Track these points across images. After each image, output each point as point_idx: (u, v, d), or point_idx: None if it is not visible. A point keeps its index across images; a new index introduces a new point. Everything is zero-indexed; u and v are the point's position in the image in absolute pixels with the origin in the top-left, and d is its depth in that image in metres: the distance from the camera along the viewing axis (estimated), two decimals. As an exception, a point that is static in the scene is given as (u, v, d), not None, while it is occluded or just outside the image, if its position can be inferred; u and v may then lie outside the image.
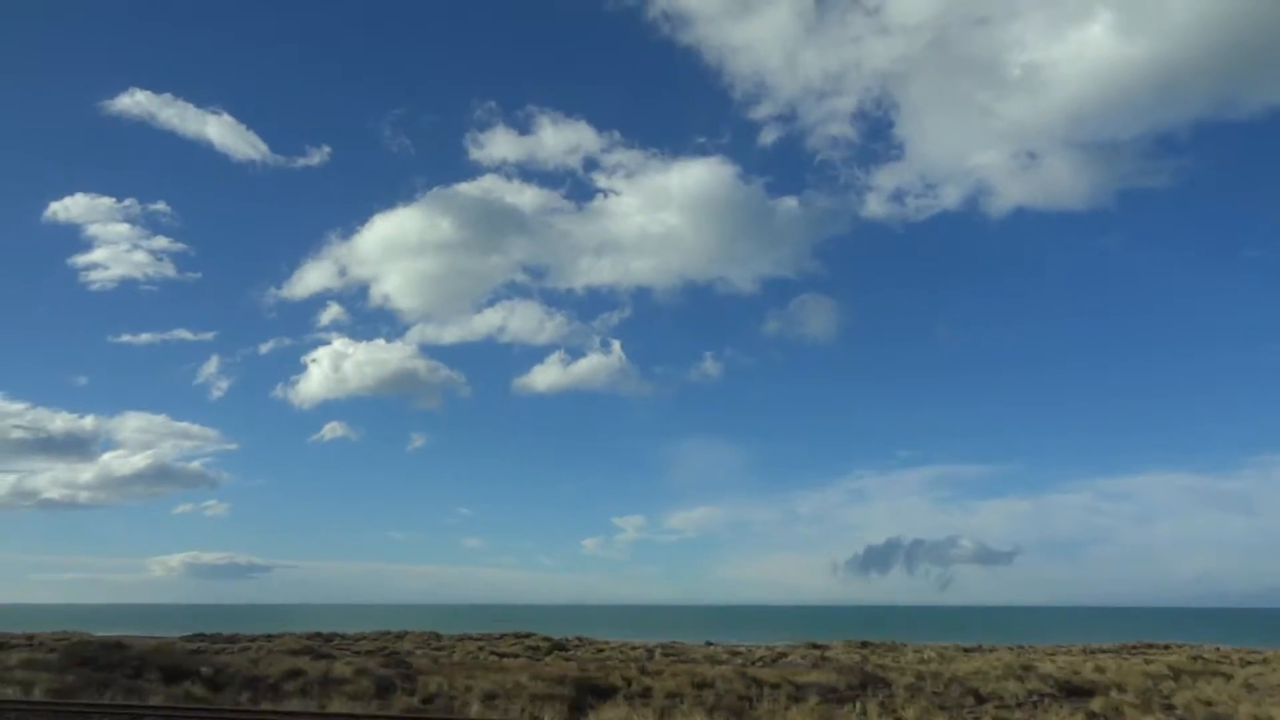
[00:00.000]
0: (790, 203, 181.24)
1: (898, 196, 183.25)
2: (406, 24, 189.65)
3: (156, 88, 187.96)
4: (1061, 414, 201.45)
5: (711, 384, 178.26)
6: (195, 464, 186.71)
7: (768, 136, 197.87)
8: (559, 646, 47.82)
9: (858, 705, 20.15)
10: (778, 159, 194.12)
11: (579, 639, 53.37)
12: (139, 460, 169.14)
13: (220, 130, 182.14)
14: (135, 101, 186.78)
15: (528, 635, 55.20)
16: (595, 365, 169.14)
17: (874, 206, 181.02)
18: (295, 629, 66.63)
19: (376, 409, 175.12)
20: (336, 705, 19.91)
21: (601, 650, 46.64)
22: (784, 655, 41.77)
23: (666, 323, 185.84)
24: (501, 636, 54.40)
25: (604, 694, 21.73)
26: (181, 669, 21.72)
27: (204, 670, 21.58)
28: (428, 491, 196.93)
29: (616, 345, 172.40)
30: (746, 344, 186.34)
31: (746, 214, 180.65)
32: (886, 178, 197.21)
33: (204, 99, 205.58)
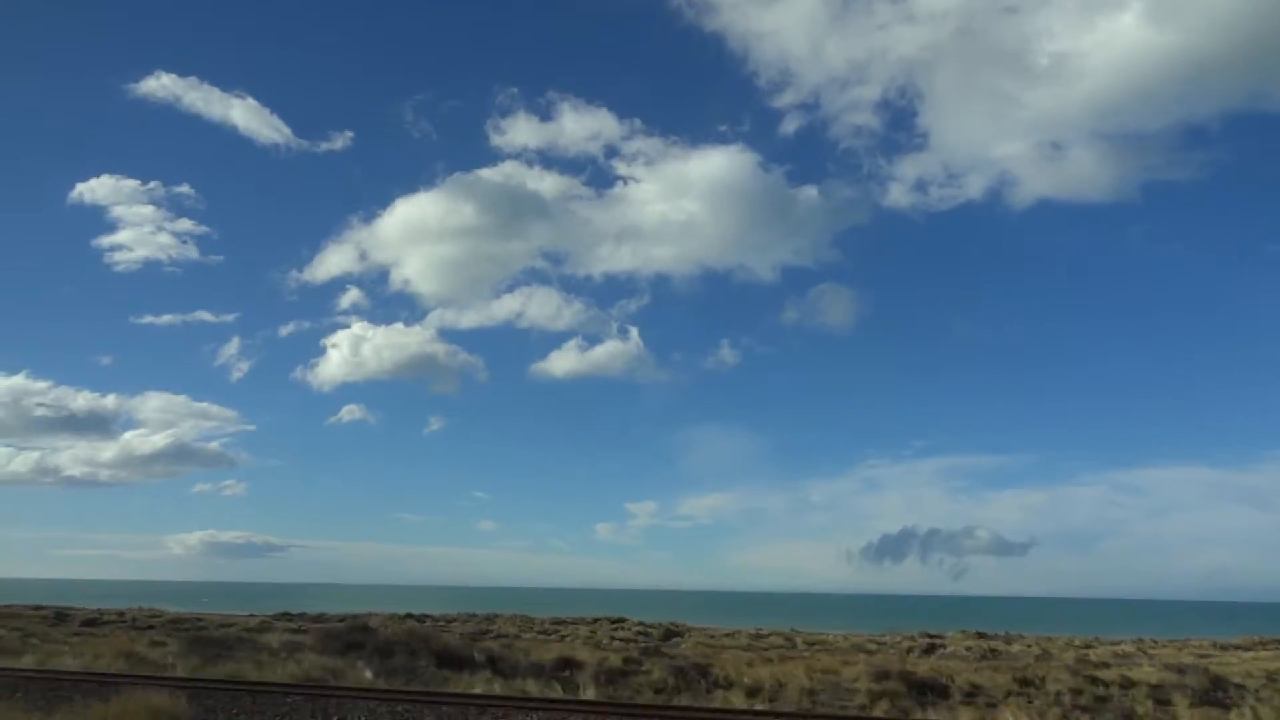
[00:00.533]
0: (810, 192, 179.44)
1: (921, 186, 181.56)
2: (429, 10, 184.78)
3: (181, 71, 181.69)
4: (1078, 406, 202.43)
5: (728, 372, 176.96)
6: (214, 444, 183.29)
7: (790, 125, 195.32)
8: (673, 633, 45.20)
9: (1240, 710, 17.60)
10: (799, 148, 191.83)
11: (674, 624, 50.57)
12: (159, 439, 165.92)
13: (244, 114, 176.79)
14: (160, 84, 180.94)
15: (619, 620, 52.45)
16: (613, 352, 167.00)
17: (896, 196, 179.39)
18: (320, 609, 63.40)
19: (394, 392, 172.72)
20: (648, 697, 17.05)
21: (714, 637, 44.15)
22: (938, 645, 39.54)
23: (684, 310, 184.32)
24: (596, 620, 51.67)
25: (934, 691, 19.01)
26: (457, 654, 18.63)
27: (477, 655, 18.54)
28: (443, 475, 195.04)
29: (634, 332, 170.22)
30: (764, 333, 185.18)
31: (766, 202, 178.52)
32: (909, 167, 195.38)
33: (229, 83, 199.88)
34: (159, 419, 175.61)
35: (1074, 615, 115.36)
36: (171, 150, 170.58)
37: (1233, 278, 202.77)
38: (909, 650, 37.02)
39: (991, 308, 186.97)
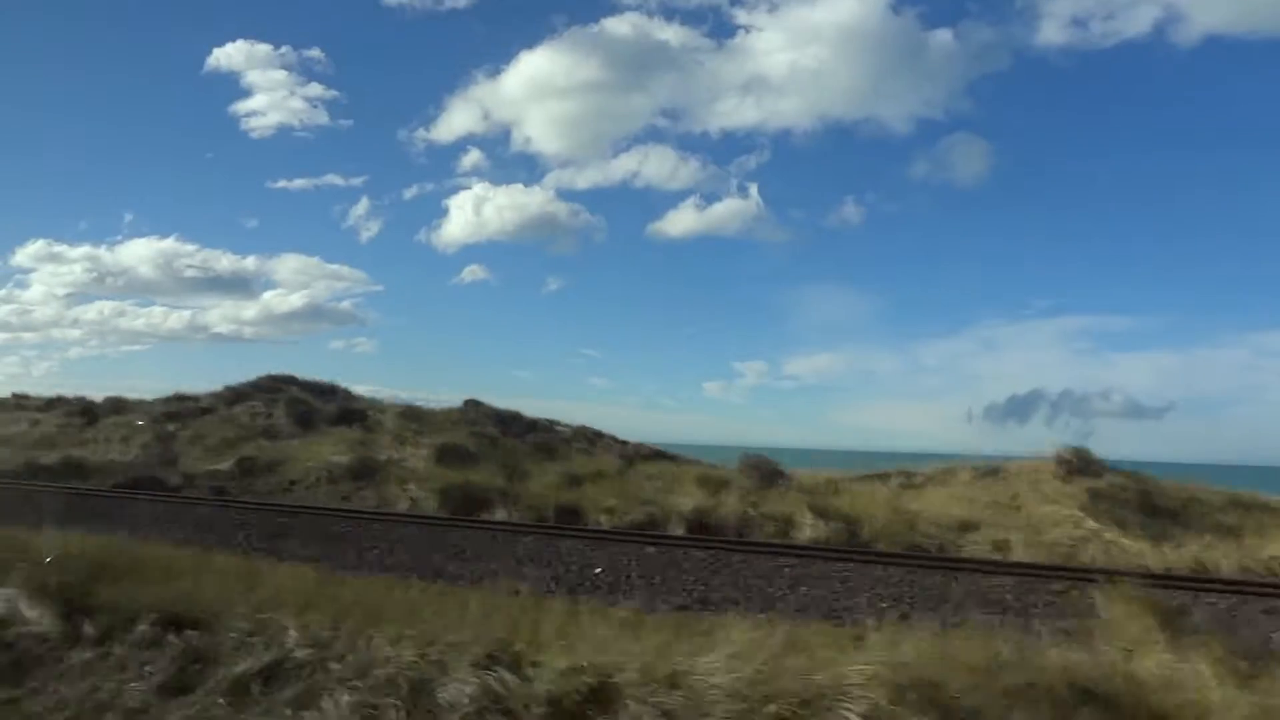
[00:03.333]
0: (945, 35, 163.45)
1: (1079, 22, 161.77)
2: None
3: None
4: (1217, 263, 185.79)
5: (849, 230, 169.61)
6: (346, 304, 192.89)
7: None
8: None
9: None
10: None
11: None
12: (295, 299, 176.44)
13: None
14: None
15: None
16: (731, 210, 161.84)
17: (1049, 34, 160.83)
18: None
19: (514, 253, 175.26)
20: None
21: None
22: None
23: (806, 166, 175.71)
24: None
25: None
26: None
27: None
28: (557, 333, 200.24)
29: (753, 189, 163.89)
30: (890, 188, 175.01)
31: (896, 48, 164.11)
32: (1064, 3, 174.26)
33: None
34: (295, 280, 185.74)
35: (1215, 480, 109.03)
36: (301, 14, 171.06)
37: None
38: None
39: (1137, 153, 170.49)
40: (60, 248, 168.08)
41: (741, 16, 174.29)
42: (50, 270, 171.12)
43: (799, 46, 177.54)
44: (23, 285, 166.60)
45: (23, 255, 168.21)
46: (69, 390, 39.94)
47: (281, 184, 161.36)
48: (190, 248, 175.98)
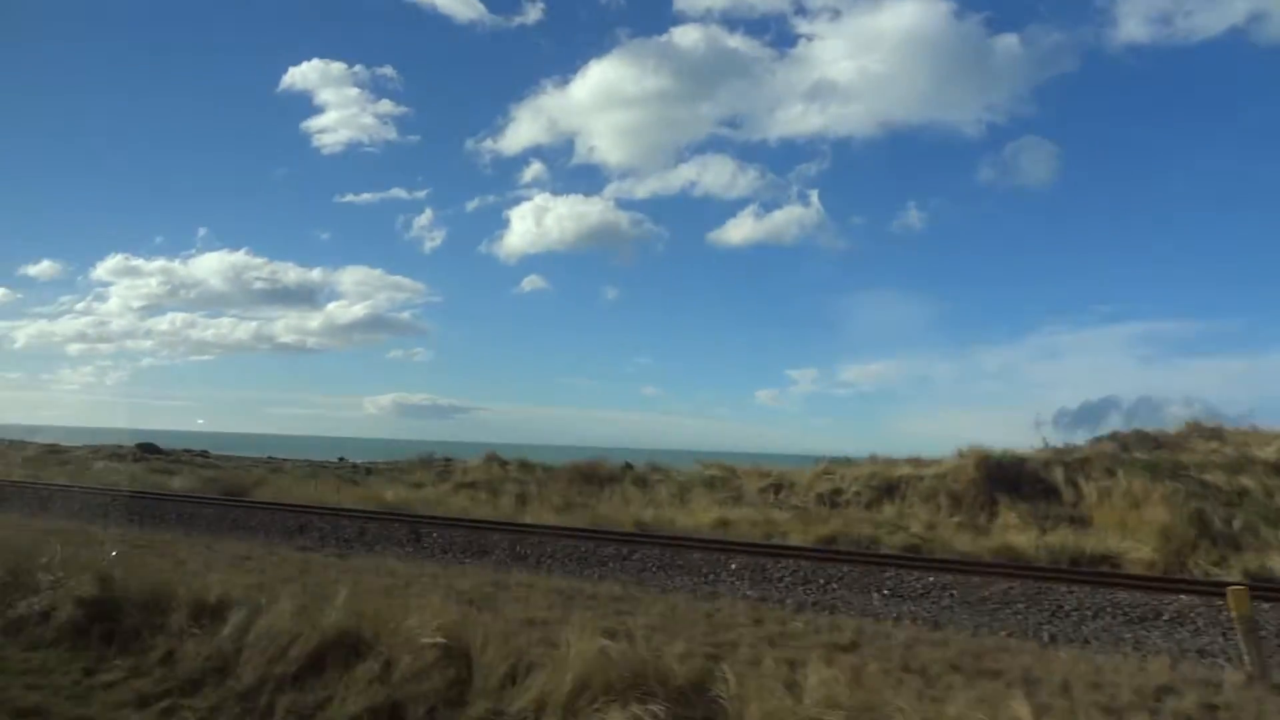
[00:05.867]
0: (1010, 40, 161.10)
1: (1163, 19, 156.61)
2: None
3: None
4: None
5: (913, 235, 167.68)
6: (405, 314, 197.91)
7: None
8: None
9: None
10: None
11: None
12: (358, 310, 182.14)
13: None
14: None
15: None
16: (791, 217, 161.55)
17: (1129, 30, 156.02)
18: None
19: (573, 263, 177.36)
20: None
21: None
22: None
23: (868, 173, 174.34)
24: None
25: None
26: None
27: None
28: (612, 341, 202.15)
29: (814, 196, 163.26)
30: (954, 193, 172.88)
31: (960, 54, 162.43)
32: (1140, 2, 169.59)
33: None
34: (358, 291, 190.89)
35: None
36: (375, 33, 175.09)
37: None
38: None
39: (1206, 159, 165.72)
40: (137, 261, 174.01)
41: (803, 26, 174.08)
42: (127, 284, 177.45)
43: (861, 54, 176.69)
44: (102, 298, 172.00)
45: (102, 269, 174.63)
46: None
47: (349, 198, 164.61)
48: (259, 260, 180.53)
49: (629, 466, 27.74)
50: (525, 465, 29.98)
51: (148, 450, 43.91)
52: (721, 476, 25.20)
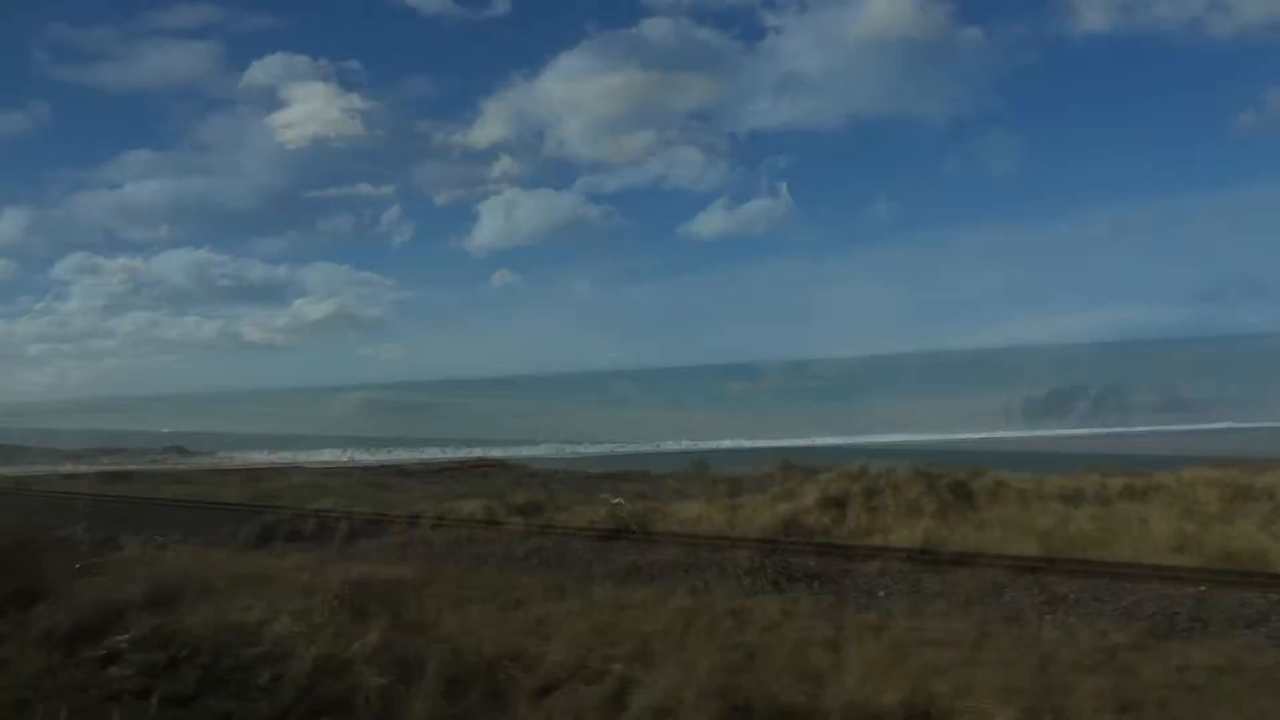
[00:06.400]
0: (975, 32, 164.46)
1: (1125, 7, 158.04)
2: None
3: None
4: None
5: (879, 226, 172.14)
6: (374, 310, 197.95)
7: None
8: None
9: None
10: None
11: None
12: (326, 307, 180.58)
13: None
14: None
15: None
16: (760, 209, 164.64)
17: (1089, 21, 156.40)
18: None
19: (544, 256, 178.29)
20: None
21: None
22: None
23: (836, 164, 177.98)
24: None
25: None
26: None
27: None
28: (582, 335, 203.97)
29: (783, 188, 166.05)
30: (919, 184, 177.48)
31: (926, 46, 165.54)
32: None
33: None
34: (325, 287, 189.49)
35: None
36: (341, 26, 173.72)
37: None
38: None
39: (1166, 144, 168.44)
40: (98, 260, 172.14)
41: (771, 19, 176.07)
42: (89, 282, 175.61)
43: (828, 47, 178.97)
44: (62, 298, 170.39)
45: (62, 268, 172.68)
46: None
47: (314, 193, 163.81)
48: (223, 258, 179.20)
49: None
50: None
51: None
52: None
